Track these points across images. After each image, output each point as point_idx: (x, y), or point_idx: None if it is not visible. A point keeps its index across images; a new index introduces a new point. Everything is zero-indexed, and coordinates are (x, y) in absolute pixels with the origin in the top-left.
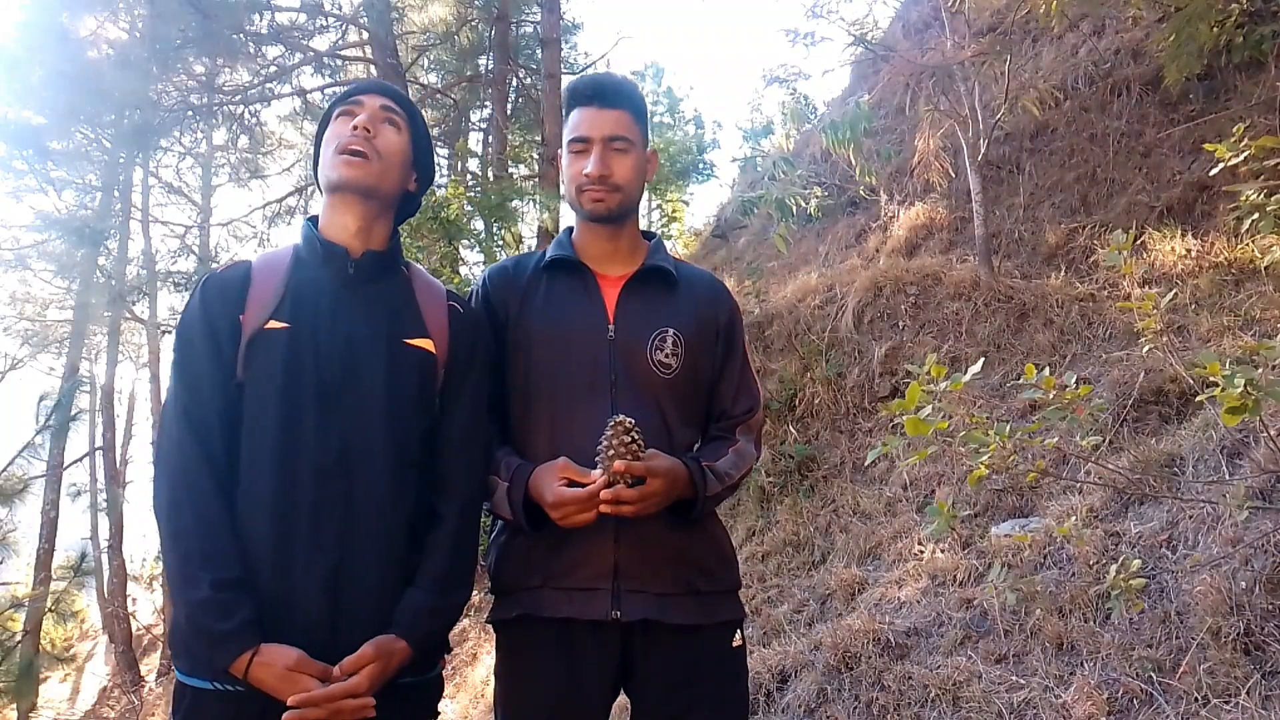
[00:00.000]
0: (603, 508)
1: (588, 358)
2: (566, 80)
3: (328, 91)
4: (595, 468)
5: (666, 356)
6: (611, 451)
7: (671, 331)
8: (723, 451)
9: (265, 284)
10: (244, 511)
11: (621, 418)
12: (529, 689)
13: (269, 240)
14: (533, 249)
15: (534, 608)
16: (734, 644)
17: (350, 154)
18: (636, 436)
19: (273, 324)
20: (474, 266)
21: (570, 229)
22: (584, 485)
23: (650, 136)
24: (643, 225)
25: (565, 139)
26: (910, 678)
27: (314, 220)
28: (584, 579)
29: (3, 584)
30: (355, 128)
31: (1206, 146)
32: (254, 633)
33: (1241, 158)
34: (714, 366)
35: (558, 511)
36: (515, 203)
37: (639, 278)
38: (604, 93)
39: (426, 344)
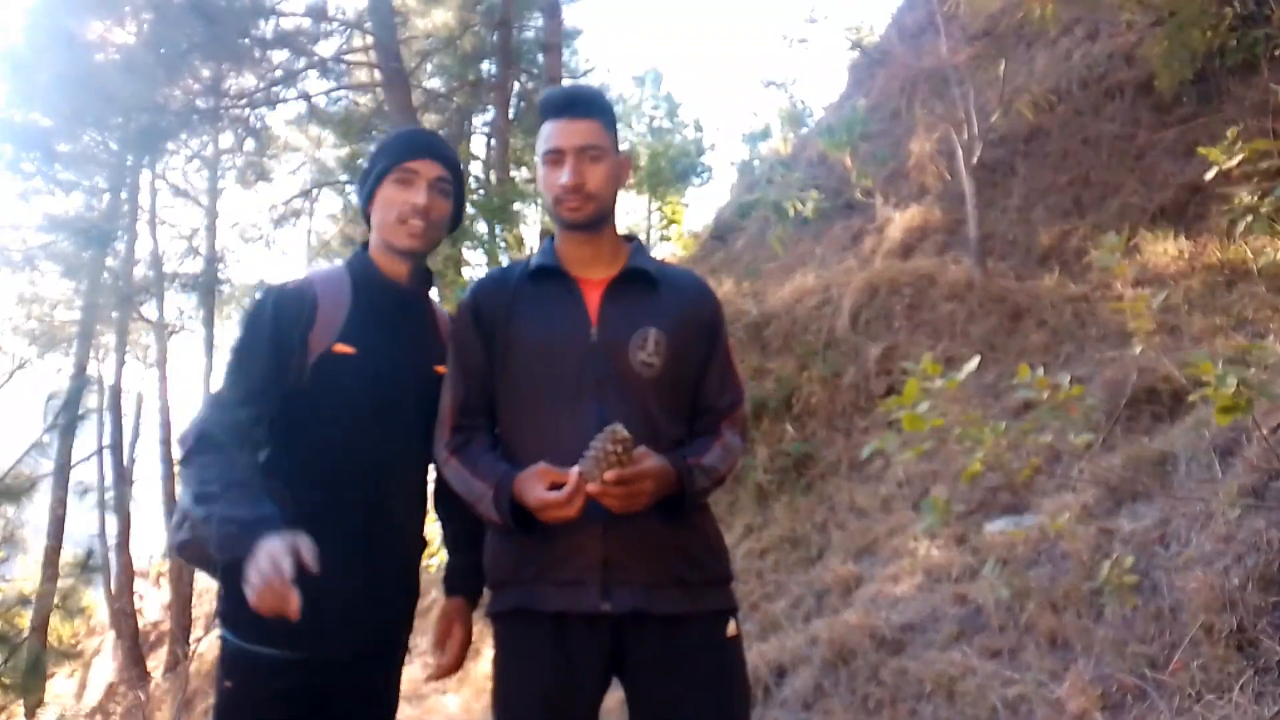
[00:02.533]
0: (590, 488)
1: (572, 362)
2: (567, 84)
3: (333, 95)
4: (577, 466)
5: (649, 356)
6: (603, 460)
7: (653, 331)
8: (709, 446)
9: (331, 307)
10: (300, 504)
11: (616, 428)
12: (522, 679)
13: (274, 243)
14: (534, 250)
15: (527, 601)
16: (728, 634)
17: (411, 226)
18: (627, 446)
19: (340, 347)
20: (477, 268)
21: (552, 237)
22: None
23: (620, 142)
24: (642, 228)
25: (540, 151)
26: (906, 672)
27: (365, 246)
28: (574, 572)
29: (10, 580)
30: (417, 208)
31: (1200, 150)
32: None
33: (1235, 161)
34: (698, 363)
35: (542, 513)
36: (518, 205)
37: (620, 280)
38: (575, 104)
39: (444, 369)
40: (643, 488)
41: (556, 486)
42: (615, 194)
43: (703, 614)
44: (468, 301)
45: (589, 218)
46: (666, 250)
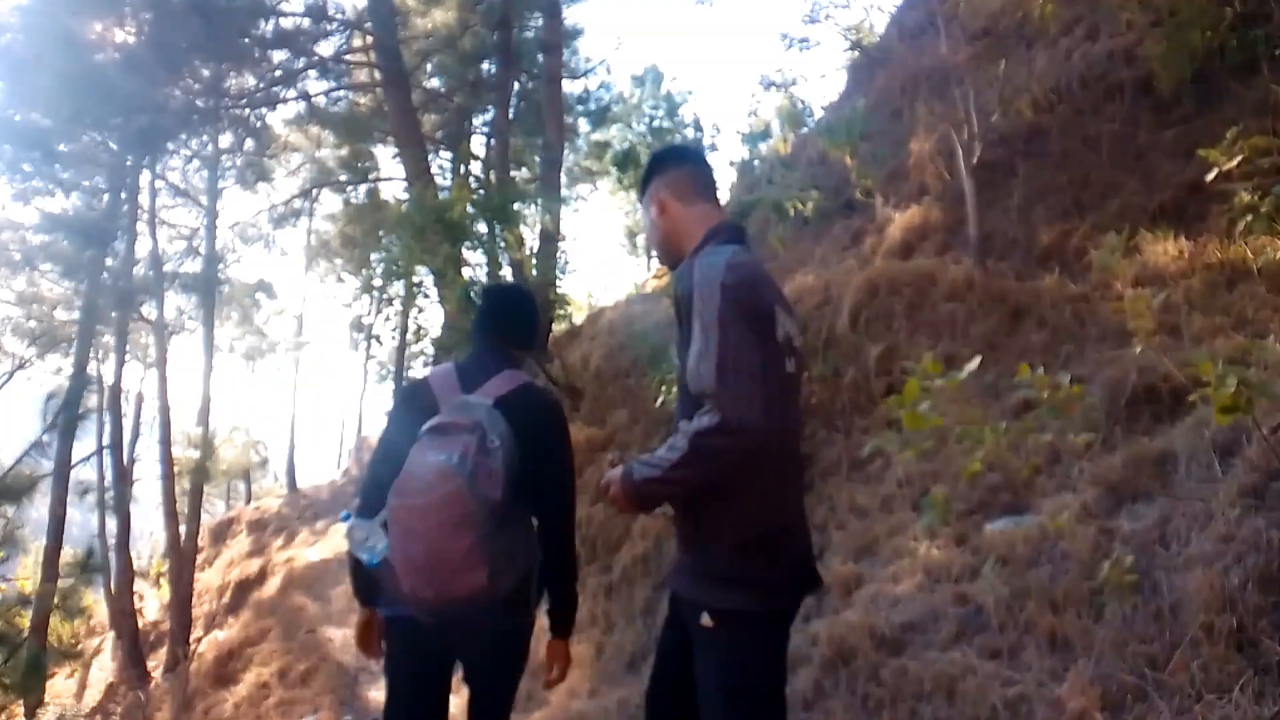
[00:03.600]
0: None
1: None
2: (567, 85)
3: (333, 95)
4: None
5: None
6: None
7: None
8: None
9: None
10: None
11: (611, 458)
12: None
13: (274, 243)
14: (534, 250)
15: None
16: (703, 623)
17: None
18: (608, 466)
19: None
20: (477, 268)
21: None
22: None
23: (654, 190)
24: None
25: None
26: (906, 672)
27: None
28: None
29: (11, 580)
30: None
31: (1200, 151)
32: None
33: (1235, 161)
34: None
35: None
36: (518, 205)
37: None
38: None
39: None
40: (612, 494)
41: None
42: (664, 233)
43: (688, 601)
44: None
45: (665, 261)
46: None
